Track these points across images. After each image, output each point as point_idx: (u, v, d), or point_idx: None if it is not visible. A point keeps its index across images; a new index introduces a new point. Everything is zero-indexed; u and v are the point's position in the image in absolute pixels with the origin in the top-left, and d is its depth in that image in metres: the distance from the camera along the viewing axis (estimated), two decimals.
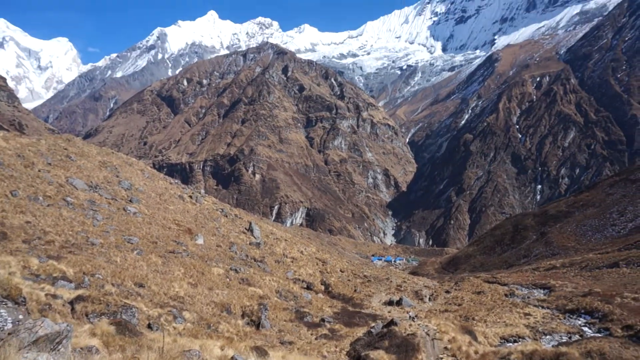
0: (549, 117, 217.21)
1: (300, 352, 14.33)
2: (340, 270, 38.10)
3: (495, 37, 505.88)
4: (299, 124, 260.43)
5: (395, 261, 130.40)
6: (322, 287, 28.56)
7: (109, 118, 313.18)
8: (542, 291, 31.53)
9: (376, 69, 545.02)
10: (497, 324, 20.86)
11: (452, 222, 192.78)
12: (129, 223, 23.19)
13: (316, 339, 17.22)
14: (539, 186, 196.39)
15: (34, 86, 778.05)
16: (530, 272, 46.30)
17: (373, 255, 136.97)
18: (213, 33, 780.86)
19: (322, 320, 19.80)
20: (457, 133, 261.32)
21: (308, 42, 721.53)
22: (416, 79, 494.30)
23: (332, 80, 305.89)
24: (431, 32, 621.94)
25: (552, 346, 15.92)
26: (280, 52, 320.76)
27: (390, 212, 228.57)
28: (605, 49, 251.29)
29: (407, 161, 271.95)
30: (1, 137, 27.94)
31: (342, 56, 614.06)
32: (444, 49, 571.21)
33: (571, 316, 22.77)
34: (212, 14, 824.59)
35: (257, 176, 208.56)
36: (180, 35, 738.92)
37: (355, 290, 29.94)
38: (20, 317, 7.11)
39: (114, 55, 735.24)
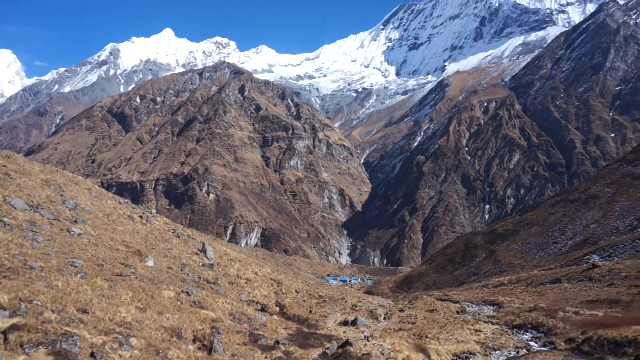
0: (496, 140, 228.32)
1: None
2: (296, 291, 37.69)
3: (446, 63, 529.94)
4: (255, 144, 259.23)
5: (350, 281, 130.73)
6: (277, 309, 28.11)
7: (55, 134, 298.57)
8: (491, 307, 32.53)
9: (332, 91, 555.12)
10: (450, 341, 21.23)
11: (405, 241, 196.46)
12: (72, 245, 21.94)
13: None
14: (487, 206, 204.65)
15: None
16: (480, 289, 47.73)
17: (328, 275, 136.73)
18: (169, 50, 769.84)
19: (277, 342, 19.42)
20: (410, 154, 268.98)
21: (265, 62, 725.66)
22: (371, 101, 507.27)
23: (289, 100, 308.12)
24: (385, 56, 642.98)
25: None
26: (237, 72, 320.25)
27: (345, 232, 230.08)
28: (545, 77, 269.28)
29: (362, 181, 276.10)
30: None
31: (299, 77, 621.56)
32: (398, 74, 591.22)
33: (519, 331, 23.57)
34: (167, 32, 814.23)
35: (212, 196, 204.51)
36: (134, 52, 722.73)
37: (310, 311, 29.65)
38: None
39: (62, 69, 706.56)
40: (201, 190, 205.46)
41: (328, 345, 17.50)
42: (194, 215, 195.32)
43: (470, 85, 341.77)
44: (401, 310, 34.54)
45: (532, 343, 21.06)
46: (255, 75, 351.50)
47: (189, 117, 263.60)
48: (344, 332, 24.90)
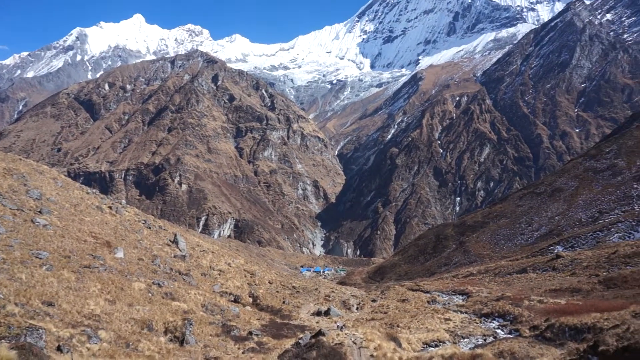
0: (467, 134, 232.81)
1: None
2: (269, 282, 37.70)
3: (420, 57, 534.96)
4: (229, 134, 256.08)
5: (324, 272, 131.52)
6: (250, 300, 28.07)
7: (17, 121, 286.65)
8: (460, 297, 33.38)
9: (307, 82, 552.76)
10: (420, 330, 21.70)
11: (378, 232, 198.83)
12: (37, 236, 21.26)
13: (243, 352, 16.81)
14: (458, 198, 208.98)
15: None
16: (450, 279, 48.88)
17: (302, 266, 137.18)
18: (139, 37, 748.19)
19: (250, 333, 19.40)
20: (383, 147, 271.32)
21: (239, 52, 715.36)
22: (346, 93, 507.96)
23: (263, 91, 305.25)
24: (360, 49, 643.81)
25: (469, 349, 16.85)
26: (211, 61, 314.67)
27: (319, 223, 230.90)
28: (515, 73, 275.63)
29: (336, 173, 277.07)
30: None
31: (274, 68, 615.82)
32: (372, 66, 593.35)
33: (486, 319, 24.30)
34: (138, 17, 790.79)
35: (184, 186, 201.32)
36: (102, 37, 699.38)
37: (283, 302, 29.72)
38: None
39: (24, 53, 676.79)
40: (173, 180, 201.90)
41: (301, 335, 17.60)
42: (165, 206, 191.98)
43: (443, 79, 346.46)
44: (373, 301, 35.01)
45: (498, 331, 21.73)
46: (229, 65, 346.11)
47: (161, 106, 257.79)
48: (317, 323, 25.09)
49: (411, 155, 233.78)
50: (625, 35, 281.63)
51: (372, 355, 14.75)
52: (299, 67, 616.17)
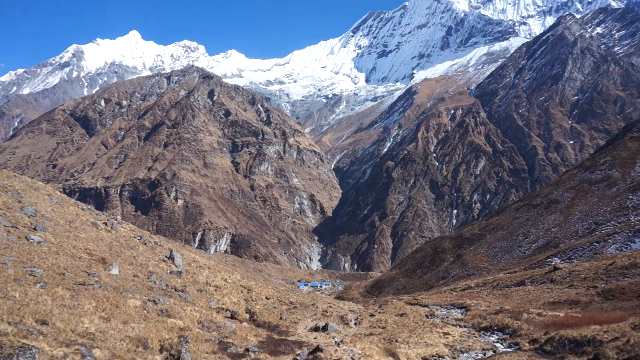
0: (462, 147, 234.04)
1: None
2: (266, 298, 37.37)
3: (414, 71, 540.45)
4: (225, 149, 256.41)
5: (321, 286, 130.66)
6: (247, 316, 27.76)
7: (13, 138, 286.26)
8: (459, 311, 33.15)
9: (302, 97, 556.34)
10: (419, 345, 21.48)
11: (375, 246, 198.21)
12: (32, 253, 21.05)
13: None
14: (455, 211, 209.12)
15: None
16: (449, 292, 48.60)
17: (299, 281, 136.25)
18: (135, 53, 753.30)
19: (247, 350, 19.14)
20: (379, 160, 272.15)
21: (235, 67, 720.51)
22: (341, 107, 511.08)
23: (259, 106, 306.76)
24: (355, 63, 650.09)
25: None
26: (206, 76, 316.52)
27: (316, 238, 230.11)
28: (509, 86, 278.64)
29: (332, 187, 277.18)
30: None
31: (269, 83, 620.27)
32: (367, 80, 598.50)
33: (485, 333, 24.10)
34: (134, 34, 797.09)
35: (180, 201, 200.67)
36: (98, 54, 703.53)
37: (281, 318, 29.42)
38: None
39: (20, 70, 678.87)
40: (169, 196, 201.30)
41: (298, 351, 17.38)
42: (161, 222, 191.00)
43: (437, 92, 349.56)
44: (371, 315, 34.73)
45: (498, 345, 21.55)
46: (224, 80, 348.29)
47: (157, 121, 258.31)
48: (315, 338, 24.81)
49: (407, 168, 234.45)
50: (616, 48, 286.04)
51: None
52: (295, 81, 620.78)
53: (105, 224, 34.80)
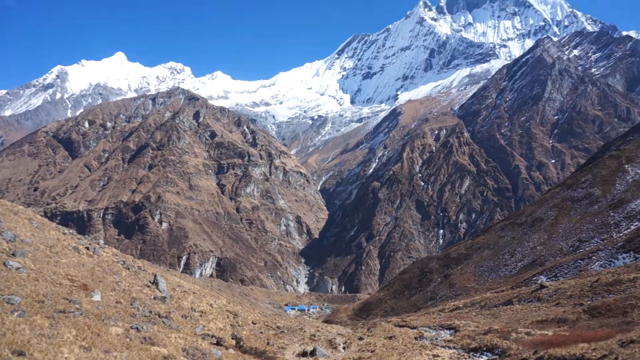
0: (447, 167, 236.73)
1: None
2: (253, 322, 36.67)
3: (398, 92, 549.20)
4: (210, 171, 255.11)
5: (309, 310, 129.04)
6: (233, 342, 27.16)
7: None
8: (448, 332, 32.92)
9: (288, 118, 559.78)
10: None
11: (363, 267, 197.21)
12: (9, 280, 20.39)
13: None
14: (441, 231, 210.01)
15: None
16: (437, 313, 48.34)
17: (286, 305, 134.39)
18: (120, 75, 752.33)
19: None
20: (365, 181, 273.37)
21: (221, 89, 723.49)
22: (327, 128, 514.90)
23: (245, 127, 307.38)
24: (340, 85, 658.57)
25: None
26: (192, 98, 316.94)
27: (303, 260, 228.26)
28: (491, 107, 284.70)
29: (319, 208, 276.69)
30: None
31: (255, 104, 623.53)
32: (352, 102, 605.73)
33: (475, 354, 23.90)
34: (120, 55, 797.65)
35: (164, 225, 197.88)
36: (83, 75, 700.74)
37: (268, 343, 28.84)
38: None
39: (2, 91, 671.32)
40: (153, 219, 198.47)
41: None
42: (145, 246, 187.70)
43: (421, 113, 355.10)
44: (360, 339, 34.28)
45: None
46: (210, 102, 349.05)
47: (141, 143, 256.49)
48: None
49: (393, 188, 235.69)
50: (593, 70, 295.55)
51: None
52: (280, 103, 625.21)
53: (87, 248, 34.03)
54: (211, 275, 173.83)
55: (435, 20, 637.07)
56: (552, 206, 72.62)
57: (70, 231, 39.52)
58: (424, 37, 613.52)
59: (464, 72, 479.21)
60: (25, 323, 16.07)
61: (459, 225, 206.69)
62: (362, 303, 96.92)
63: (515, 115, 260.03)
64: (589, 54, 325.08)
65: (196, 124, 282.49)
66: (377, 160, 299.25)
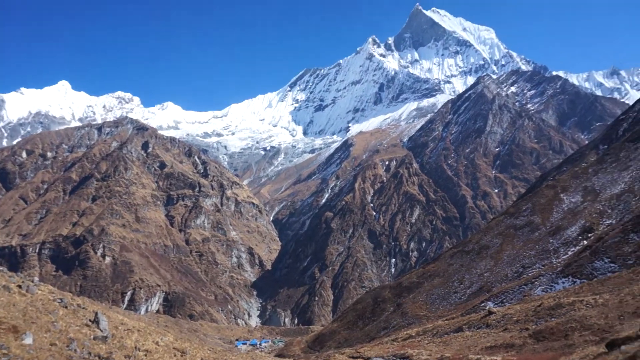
0: (398, 197, 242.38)
1: None
2: None
3: (349, 124, 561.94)
4: (159, 202, 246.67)
5: (261, 344, 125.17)
6: None
7: None
8: None
9: (241, 149, 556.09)
10: None
11: (316, 298, 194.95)
12: None
13: None
14: (393, 259, 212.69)
15: None
16: (390, 343, 48.25)
17: (237, 340, 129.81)
18: (64, 103, 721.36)
19: None
20: (318, 211, 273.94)
21: (171, 119, 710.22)
22: (279, 159, 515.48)
23: (196, 158, 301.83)
24: (293, 117, 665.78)
25: None
26: (141, 128, 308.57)
27: (255, 292, 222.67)
28: (438, 139, 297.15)
29: (271, 239, 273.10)
30: None
31: (207, 135, 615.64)
32: (305, 133, 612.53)
33: None
34: (63, 84, 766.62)
35: (108, 259, 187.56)
36: (22, 103, 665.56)
37: None
38: None
39: None
40: (96, 253, 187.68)
41: None
42: (86, 282, 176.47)
43: (372, 145, 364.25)
44: None
45: None
46: (160, 132, 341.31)
47: (85, 174, 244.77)
48: None
49: (346, 218, 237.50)
50: (529, 106, 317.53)
51: None
52: (233, 134, 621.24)
53: (20, 286, 31.46)
54: (158, 311, 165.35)
55: (384, 56, 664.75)
56: (497, 234, 75.70)
57: (0, 268, 36.51)
58: (373, 72, 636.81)
59: (412, 105, 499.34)
60: None
61: (410, 253, 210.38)
62: (316, 335, 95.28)
63: (460, 147, 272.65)
64: (525, 91, 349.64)
65: (145, 155, 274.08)
66: (329, 190, 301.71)
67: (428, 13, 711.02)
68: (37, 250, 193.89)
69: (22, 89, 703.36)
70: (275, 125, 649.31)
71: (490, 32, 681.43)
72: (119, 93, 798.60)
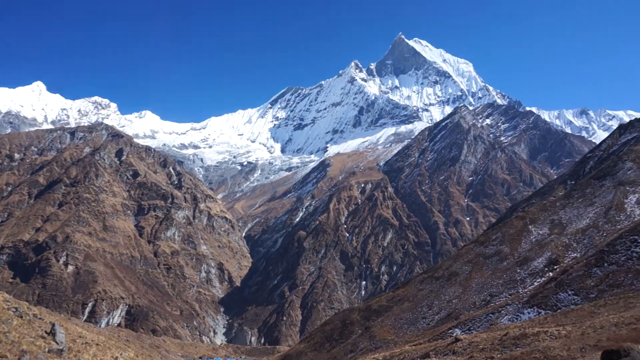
0: (372, 219, 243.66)
1: None
2: None
3: (328, 145, 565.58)
4: (129, 212, 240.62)
5: None
6: None
7: None
8: None
9: (217, 162, 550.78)
10: None
11: (284, 318, 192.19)
12: None
13: None
14: (364, 282, 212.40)
15: None
16: None
17: (201, 358, 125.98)
18: (37, 105, 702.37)
19: None
20: (291, 229, 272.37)
21: (148, 128, 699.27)
22: (256, 175, 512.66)
23: (171, 169, 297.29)
24: (272, 134, 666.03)
25: None
26: (116, 135, 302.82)
27: (222, 309, 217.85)
28: (414, 165, 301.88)
29: (242, 255, 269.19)
30: None
31: (183, 146, 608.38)
32: (283, 151, 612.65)
33: None
34: (38, 85, 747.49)
35: (71, 267, 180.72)
36: None
37: None
38: None
39: None
40: (58, 261, 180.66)
41: None
42: (45, 291, 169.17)
43: (349, 166, 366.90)
44: None
45: None
46: (136, 140, 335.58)
47: (53, 178, 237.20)
48: None
49: (319, 238, 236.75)
50: (502, 138, 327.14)
51: None
52: (210, 147, 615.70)
53: None
54: (119, 325, 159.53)
55: (365, 81, 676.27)
56: (467, 261, 76.67)
57: None
58: (354, 95, 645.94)
59: (390, 130, 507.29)
60: None
61: (381, 277, 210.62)
62: (281, 356, 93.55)
63: (435, 174, 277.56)
64: (499, 124, 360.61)
65: (118, 162, 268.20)
66: (304, 209, 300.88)
67: (410, 42, 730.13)
68: None
69: None
70: (253, 141, 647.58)
71: (468, 65, 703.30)
72: (96, 98, 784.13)
